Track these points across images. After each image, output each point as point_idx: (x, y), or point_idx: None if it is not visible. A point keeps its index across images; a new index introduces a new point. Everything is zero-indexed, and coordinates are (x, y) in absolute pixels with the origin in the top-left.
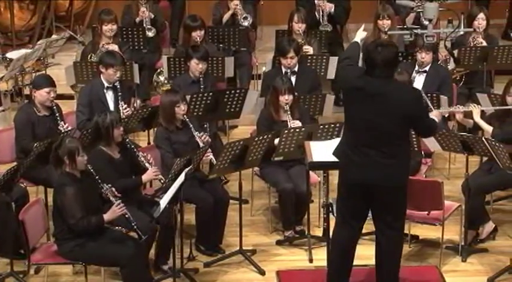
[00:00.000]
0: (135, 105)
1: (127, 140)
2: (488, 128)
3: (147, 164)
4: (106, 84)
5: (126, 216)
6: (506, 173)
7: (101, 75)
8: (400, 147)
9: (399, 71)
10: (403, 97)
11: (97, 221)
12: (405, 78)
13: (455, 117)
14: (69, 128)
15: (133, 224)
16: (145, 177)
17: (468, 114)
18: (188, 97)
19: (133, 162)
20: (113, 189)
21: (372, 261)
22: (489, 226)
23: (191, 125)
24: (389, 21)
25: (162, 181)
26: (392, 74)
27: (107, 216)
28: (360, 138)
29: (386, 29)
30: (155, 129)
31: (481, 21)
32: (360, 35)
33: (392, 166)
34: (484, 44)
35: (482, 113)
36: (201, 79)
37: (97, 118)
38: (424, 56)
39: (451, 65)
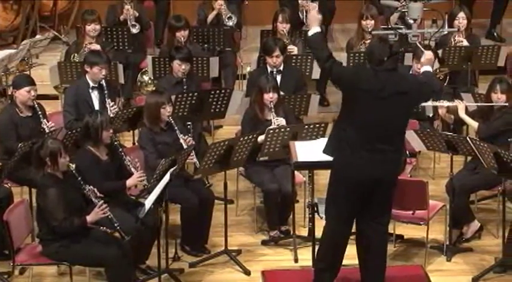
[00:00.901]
0: (119, 104)
1: (116, 143)
2: (474, 123)
3: (132, 169)
4: (91, 84)
5: (109, 217)
6: (491, 173)
7: (86, 75)
8: (402, 140)
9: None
10: (413, 88)
11: (80, 223)
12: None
13: (438, 115)
14: (54, 128)
15: (116, 225)
16: (129, 182)
17: (451, 110)
18: (173, 97)
19: (121, 164)
20: (95, 190)
21: (351, 261)
22: (474, 225)
23: (176, 127)
24: (372, 22)
25: (145, 186)
26: (397, 67)
27: (89, 218)
28: (369, 134)
29: (370, 29)
30: (140, 129)
31: (461, 20)
32: (316, 21)
33: (398, 159)
34: (465, 43)
35: (466, 110)
36: (184, 80)
37: (88, 118)
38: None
39: (435, 65)
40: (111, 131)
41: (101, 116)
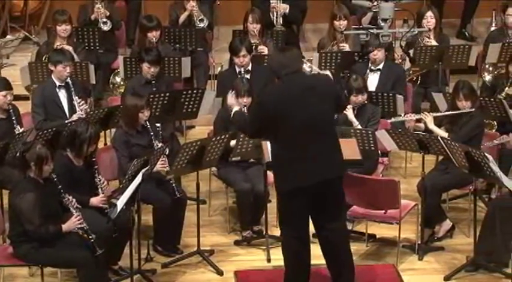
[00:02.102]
0: (89, 105)
1: (93, 159)
2: (443, 134)
3: (100, 189)
4: (58, 83)
5: (85, 229)
6: (462, 172)
7: (52, 75)
8: (335, 136)
9: (354, 78)
10: (321, 79)
11: (55, 231)
12: (361, 85)
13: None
14: (22, 131)
15: (90, 237)
16: (93, 201)
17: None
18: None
19: (94, 179)
20: (74, 200)
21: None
22: (446, 224)
23: (152, 133)
24: (345, 22)
25: (106, 210)
26: (301, 68)
27: (65, 227)
28: (302, 140)
29: (342, 29)
30: (112, 129)
31: (429, 19)
32: (233, 104)
33: (338, 157)
34: (434, 43)
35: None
36: (153, 82)
37: (78, 127)
38: (376, 53)
39: (406, 65)
40: (94, 146)
41: (91, 128)
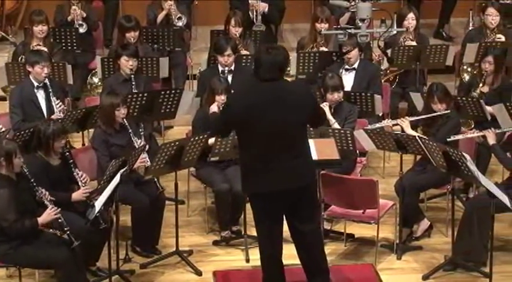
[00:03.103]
0: (67, 105)
1: (67, 154)
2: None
3: (80, 183)
4: (36, 84)
5: (60, 220)
6: (440, 171)
7: (30, 75)
8: (304, 144)
9: (330, 76)
10: (299, 91)
11: (31, 224)
12: (337, 82)
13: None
14: (2, 129)
15: (66, 229)
16: (75, 196)
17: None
18: None
19: (71, 173)
20: (47, 193)
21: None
22: (424, 224)
23: (130, 130)
24: (327, 25)
25: (93, 195)
26: (282, 77)
27: (41, 219)
28: (264, 148)
29: (323, 32)
30: (90, 130)
31: (410, 20)
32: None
33: (305, 166)
34: (414, 43)
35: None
36: (132, 77)
37: (40, 126)
38: (350, 53)
39: (384, 65)
40: (63, 141)
41: (53, 125)
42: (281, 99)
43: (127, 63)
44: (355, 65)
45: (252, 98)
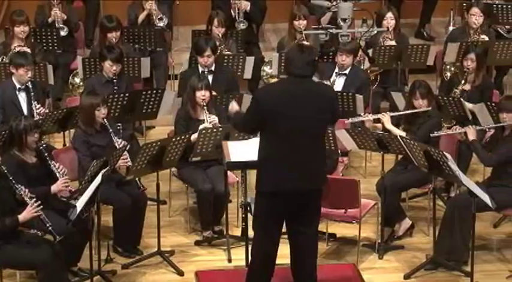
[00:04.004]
0: (48, 105)
1: (41, 148)
2: (401, 134)
3: (58, 174)
4: (18, 86)
5: (41, 217)
6: (421, 171)
7: (12, 77)
8: (323, 148)
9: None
10: (326, 92)
11: (12, 222)
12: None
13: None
14: None
15: (47, 225)
16: (54, 188)
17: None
18: None
19: (50, 168)
20: (27, 190)
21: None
22: (406, 223)
23: (110, 129)
24: (305, 22)
25: (71, 191)
26: (312, 75)
27: (21, 217)
28: (288, 145)
29: (302, 29)
30: (71, 130)
31: (389, 20)
32: (235, 108)
33: (321, 169)
34: (393, 43)
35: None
36: (115, 81)
37: (12, 122)
38: (345, 59)
39: (365, 65)
40: (36, 135)
41: (25, 120)
42: (308, 97)
43: (111, 68)
44: (347, 71)
45: (280, 93)
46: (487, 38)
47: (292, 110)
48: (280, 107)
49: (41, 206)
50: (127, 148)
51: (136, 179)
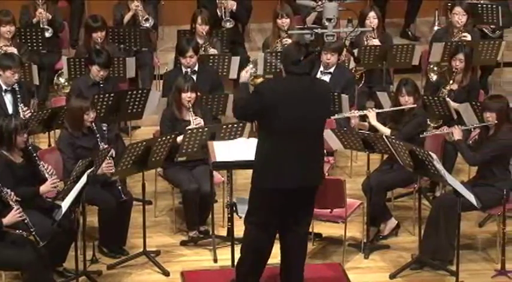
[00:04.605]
0: (33, 106)
1: (30, 148)
2: (386, 131)
3: (46, 175)
4: (4, 87)
5: (25, 221)
6: (407, 171)
7: None
8: (322, 146)
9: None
10: (324, 90)
11: None
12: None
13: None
14: None
15: (31, 230)
16: (43, 188)
17: (364, 117)
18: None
19: (36, 169)
20: (12, 193)
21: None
22: (391, 223)
23: (98, 135)
24: (288, 20)
25: (59, 192)
26: (311, 73)
27: (5, 221)
28: (289, 141)
29: (286, 28)
30: (56, 130)
31: (372, 19)
32: (244, 77)
33: (320, 167)
34: (377, 42)
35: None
36: (101, 85)
37: (1, 122)
38: (330, 58)
39: (351, 64)
40: (25, 135)
41: (15, 120)
42: (308, 93)
43: (98, 73)
44: (331, 70)
45: (282, 88)
46: (469, 37)
47: (293, 107)
48: (280, 103)
49: (23, 212)
50: (112, 154)
51: (120, 187)
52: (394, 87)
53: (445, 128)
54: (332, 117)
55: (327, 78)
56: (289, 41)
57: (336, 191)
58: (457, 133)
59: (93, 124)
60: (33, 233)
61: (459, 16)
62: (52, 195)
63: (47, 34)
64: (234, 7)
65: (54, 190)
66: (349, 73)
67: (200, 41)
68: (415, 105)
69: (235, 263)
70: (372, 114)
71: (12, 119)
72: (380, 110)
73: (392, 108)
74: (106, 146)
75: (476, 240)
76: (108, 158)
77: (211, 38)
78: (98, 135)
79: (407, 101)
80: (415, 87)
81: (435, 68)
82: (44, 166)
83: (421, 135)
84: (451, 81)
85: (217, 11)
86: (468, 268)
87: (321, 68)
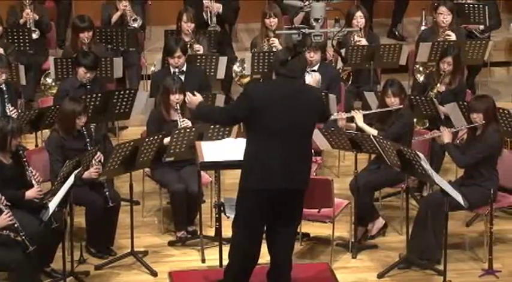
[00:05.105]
0: (20, 106)
1: (20, 152)
2: (372, 132)
3: (33, 181)
4: None
5: (16, 225)
6: (394, 170)
7: None
8: (309, 149)
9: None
10: (313, 94)
11: None
12: (316, 77)
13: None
14: None
15: (22, 234)
16: (29, 194)
17: (351, 119)
18: None
19: (23, 172)
20: (3, 197)
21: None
22: (379, 222)
23: (87, 139)
24: (276, 20)
25: (44, 201)
26: (301, 76)
27: None
28: (276, 142)
29: (273, 28)
30: (43, 131)
31: (359, 19)
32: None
33: (306, 170)
34: (364, 42)
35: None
36: (88, 86)
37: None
38: (313, 55)
39: (338, 64)
40: (19, 139)
41: (12, 122)
42: (297, 97)
43: (85, 75)
44: (315, 67)
45: (271, 90)
46: (453, 36)
47: (281, 109)
48: (269, 105)
49: (13, 217)
50: (101, 158)
51: (107, 193)
52: (381, 87)
53: (435, 131)
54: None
55: (310, 76)
56: (277, 41)
57: (324, 190)
58: (446, 136)
59: (83, 128)
60: (23, 237)
61: (444, 15)
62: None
63: (34, 35)
64: (220, 10)
65: (39, 197)
66: (334, 70)
67: (186, 39)
68: (401, 106)
69: (224, 269)
70: (358, 116)
71: (10, 121)
72: (366, 112)
73: (378, 110)
74: (93, 148)
75: (464, 239)
76: (96, 163)
77: (198, 35)
78: (88, 139)
79: (393, 102)
80: (401, 87)
81: (421, 69)
82: (32, 172)
83: (412, 141)
84: (438, 84)
85: (204, 14)
86: (456, 267)
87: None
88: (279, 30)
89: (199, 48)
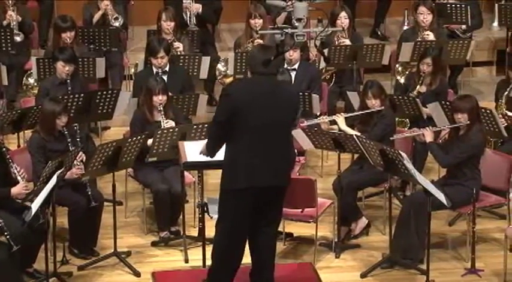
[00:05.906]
0: (2, 106)
1: (3, 150)
2: (355, 134)
3: (19, 177)
4: None
5: (0, 225)
6: (377, 170)
7: None
8: (289, 145)
9: (281, 71)
10: (290, 91)
11: None
12: (287, 78)
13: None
14: None
15: (5, 234)
16: (14, 190)
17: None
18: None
19: (7, 170)
20: None
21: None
22: (362, 222)
23: (69, 139)
24: (261, 21)
25: (26, 201)
26: (276, 72)
27: None
28: (258, 140)
29: (258, 29)
30: (25, 131)
31: (343, 19)
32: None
33: (287, 167)
34: (348, 42)
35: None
36: (68, 81)
37: None
38: (292, 54)
39: (321, 64)
40: (1, 137)
41: None
42: (276, 94)
43: (63, 69)
44: (296, 66)
45: (250, 89)
46: (432, 36)
47: (262, 106)
48: (250, 103)
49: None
50: (83, 158)
51: (89, 193)
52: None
53: (415, 129)
54: (302, 125)
55: (291, 74)
56: (261, 41)
57: (307, 190)
58: (428, 135)
59: (64, 129)
60: (7, 236)
61: (424, 15)
62: (22, 197)
63: (18, 38)
64: (200, 10)
65: (24, 193)
66: (314, 69)
67: (167, 38)
68: (383, 108)
69: (207, 270)
70: (340, 119)
71: None
72: (348, 115)
73: (360, 112)
74: (74, 148)
75: (447, 239)
76: (78, 163)
77: (179, 35)
78: (69, 140)
79: (374, 104)
80: (381, 89)
81: (400, 69)
82: (16, 168)
83: (391, 138)
84: (418, 86)
85: (183, 14)
86: (438, 267)
87: (285, 66)
88: (263, 30)
89: (178, 46)
